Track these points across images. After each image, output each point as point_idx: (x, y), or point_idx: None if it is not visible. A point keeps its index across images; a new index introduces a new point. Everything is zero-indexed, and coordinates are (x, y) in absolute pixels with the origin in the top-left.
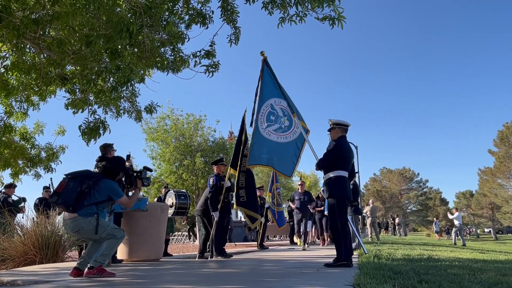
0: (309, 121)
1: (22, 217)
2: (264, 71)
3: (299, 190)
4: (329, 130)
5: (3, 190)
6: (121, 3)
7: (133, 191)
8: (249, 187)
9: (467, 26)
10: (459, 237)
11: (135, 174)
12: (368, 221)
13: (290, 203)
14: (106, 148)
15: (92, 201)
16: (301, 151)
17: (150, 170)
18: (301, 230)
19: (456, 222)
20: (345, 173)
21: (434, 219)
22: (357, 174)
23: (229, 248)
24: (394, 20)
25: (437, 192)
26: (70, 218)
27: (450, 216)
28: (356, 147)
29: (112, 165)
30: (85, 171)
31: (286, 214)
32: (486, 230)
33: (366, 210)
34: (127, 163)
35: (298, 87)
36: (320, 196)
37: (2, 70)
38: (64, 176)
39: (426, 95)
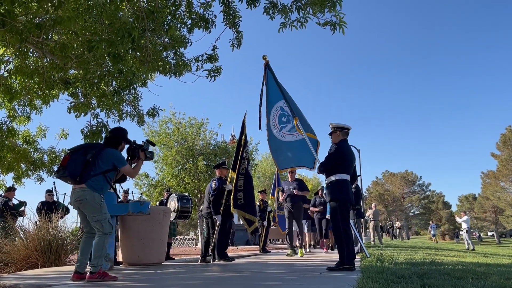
0: (310, 123)
1: (23, 221)
2: (267, 75)
3: (289, 179)
4: (330, 134)
5: (3, 194)
6: (124, 7)
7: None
8: (247, 190)
9: (470, 26)
10: (468, 240)
11: (137, 146)
12: (371, 224)
13: (280, 195)
14: None
15: (98, 171)
16: (317, 145)
17: (153, 144)
18: (292, 229)
19: (464, 225)
20: (347, 176)
21: (430, 222)
22: (359, 178)
23: (231, 251)
24: (397, 19)
25: (439, 196)
26: (78, 187)
27: (458, 219)
28: (358, 150)
29: (114, 134)
30: (87, 143)
31: None
32: (489, 233)
33: (369, 213)
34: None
35: (299, 88)
36: (320, 192)
37: (6, 74)
38: (68, 151)
39: (428, 96)
